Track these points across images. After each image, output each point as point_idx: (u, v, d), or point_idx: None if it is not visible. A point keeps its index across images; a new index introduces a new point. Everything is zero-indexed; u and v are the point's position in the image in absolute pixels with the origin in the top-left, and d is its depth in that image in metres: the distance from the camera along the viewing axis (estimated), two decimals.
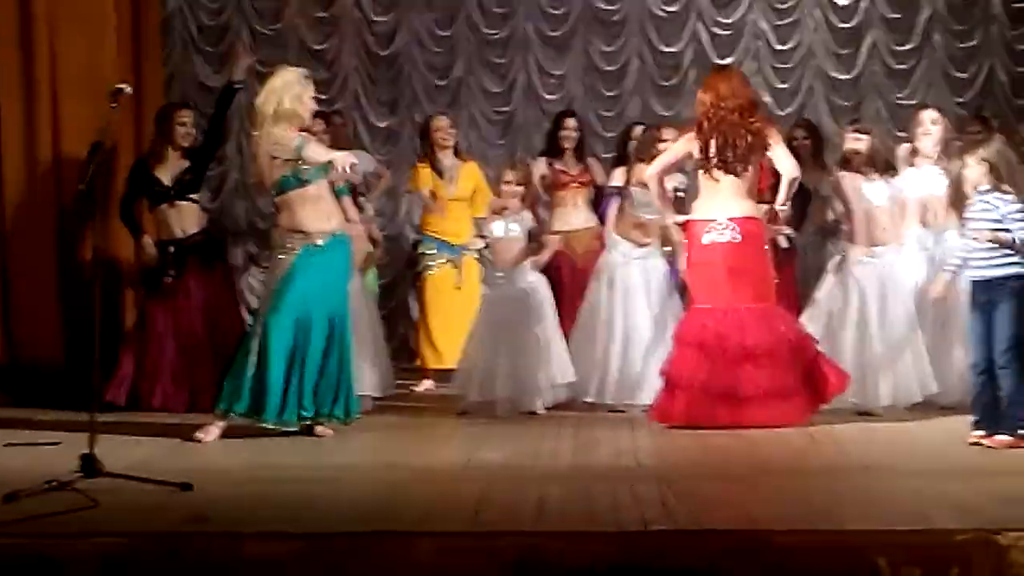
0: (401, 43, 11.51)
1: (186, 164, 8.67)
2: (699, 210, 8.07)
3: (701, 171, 8.03)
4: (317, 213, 7.51)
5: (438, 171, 9.72)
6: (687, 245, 8.18)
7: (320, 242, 7.49)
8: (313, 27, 11.50)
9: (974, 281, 7.24)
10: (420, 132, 10.18)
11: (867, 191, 8.43)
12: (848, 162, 8.52)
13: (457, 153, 9.81)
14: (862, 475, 6.45)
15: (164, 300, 8.68)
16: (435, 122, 9.92)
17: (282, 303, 7.42)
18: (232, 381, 7.45)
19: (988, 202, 7.14)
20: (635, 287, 8.69)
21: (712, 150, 7.93)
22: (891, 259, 8.45)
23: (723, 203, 7.95)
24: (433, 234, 9.74)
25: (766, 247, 8.14)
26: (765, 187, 8.29)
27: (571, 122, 9.79)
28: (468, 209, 9.63)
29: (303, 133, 7.50)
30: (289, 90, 7.43)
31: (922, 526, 5.13)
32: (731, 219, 7.92)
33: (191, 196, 8.74)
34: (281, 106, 7.40)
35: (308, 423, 7.51)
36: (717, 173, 7.94)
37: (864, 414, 8.20)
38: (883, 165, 8.46)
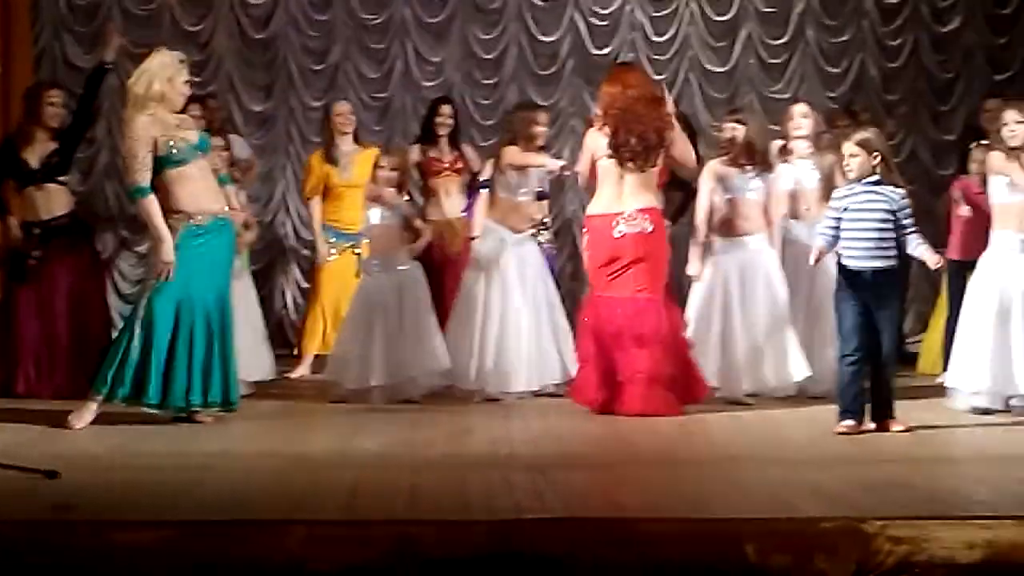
0: (277, 26, 11.43)
1: (55, 146, 8.54)
2: (604, 203, 8.09)
3: (607, 163, 8.05)
4: (196, 193, 7.44)
5: (332, 159, 9.68)
6: (591, 240, 8.20)
7: (201, 222, 7.43)
8: (186, 8, 11.37)
9: (853, 271, 7.25)
10: (322, 117, 10.16)
11: (736, 181, 8.52)
12: (724, 151, 8.61)
13: (357, 140, 9.76)
14: (730, 464, 6.51)
15: (28, 284, 8.55)
16: (336, 107, 9.91)
17: (164, 285, 7.33)
18: (112, 365, 7.33)
19: (880, 193, 7.18)
20: (510, 274, 8.64)
21: (620, 142, 7.97)
22: (756, 248, 8.52)
23: (631, 195, 8.01)
24: (331, 223, 9.69)
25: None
26: (662, 183, 8.41)
27: (446, 109, 9.79)
28: None
29: (180, 115, 7.45)
30: (162, 72, 7.37)
31: (789, 514, 5.19)
32: (640, 210, 7.98)
33: (59, 178, 8.61)
34: (152, 88, 7.33)
35: (190, 410, 7.44)
36: (627, 165, 7.98)
37: (734, 403, 8.30)
38: (760, 156, 8.52)
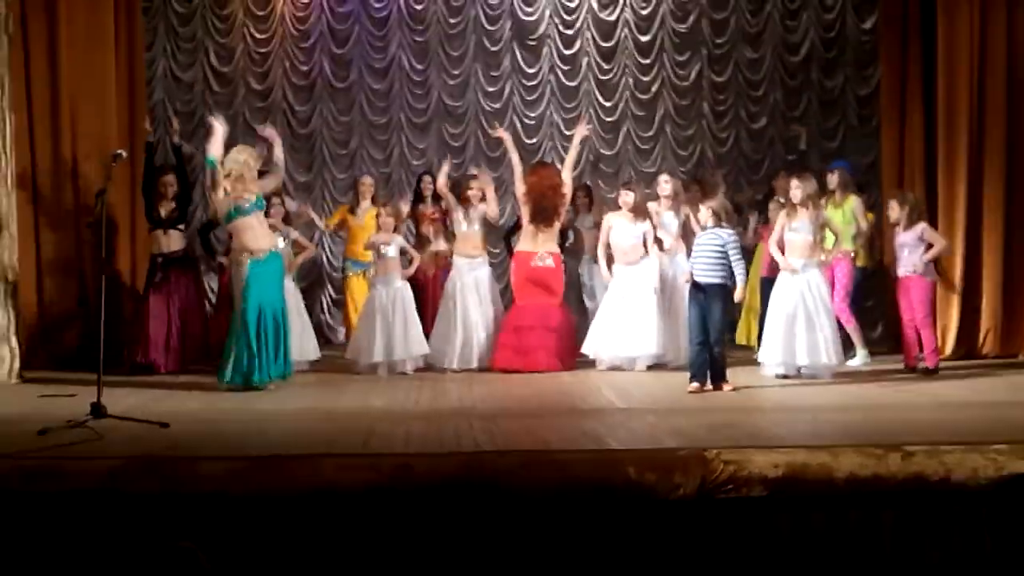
0: (315, 125, 11.28)
1: (174, 204, 8.52)
2: (526, 245, 8.78)
3: (528, 222, 8.76)
4: (255, 236, 7.38)
5: (354, 211, 9.54)
6: (516, 268, 8.84)
7: (260, 256, 7.36)
8: (254, 113, 11.24)
9: (696, 283, 7.34)
10: (353, 185, 10.04)
11: (618, 228, 8.58)
12: (619, 208, 8.64)
13: (374, 201, 9.57)
14: (620, 413, 6.51)
15: (157, 293, 8.43)
16: (362, 179, 9.84)
17: (245, 302, 7.28)
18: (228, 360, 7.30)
19: (716, 235, 7.29)
20: (469, 288, 8.68)
21: (534, 212, 8.72)
22: (631, 272, 8.57)
23: (543, 243, 8.72)
24: (350, 256, 9.55)
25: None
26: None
27: (427, 179, 9.70)
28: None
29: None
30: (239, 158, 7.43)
31: (657, 446, 5.23)
32: (549, 252, 8.71)
33: (178, 226, 8.58)
34: (232, 170, 7.36)
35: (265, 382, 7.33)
36: (539, 225, 8.70)
37: (615, 369, 8.38)
38: (642, 212, 8.61)
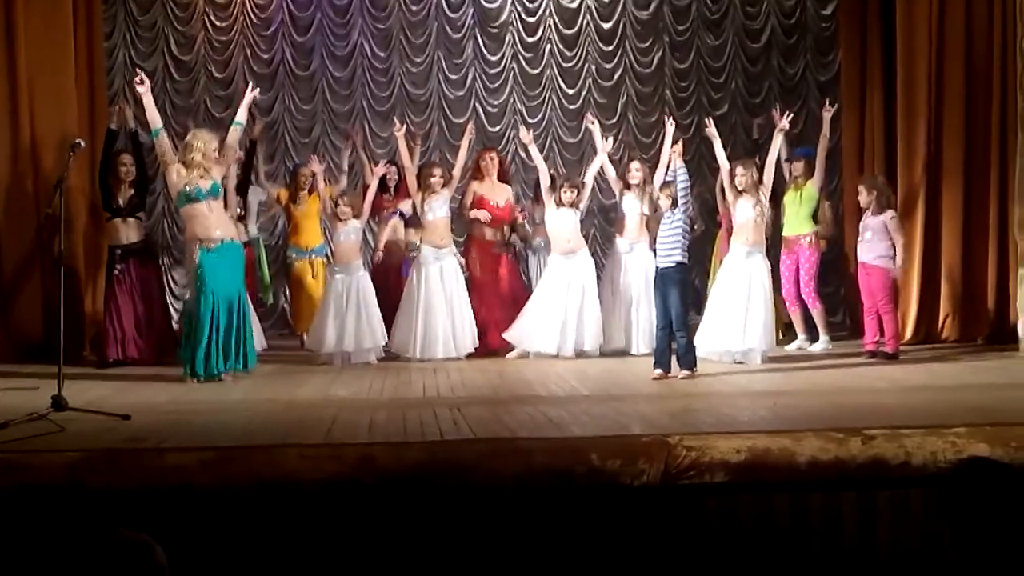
0: (277, 113, 11.19)
1: (132, 192, 8.36)
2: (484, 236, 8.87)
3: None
4: (206, 224, 7.24)
5: (294, 201, 9.42)
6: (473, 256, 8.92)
7: (211, 246, 7.23)
8: (216, 101, 11.14)
9: (656, 268, 7.39)
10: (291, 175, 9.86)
11: (556, 219, 8.59)
12: (560, 203, 8.59)
13: (312, 191, 9.44)
14: (584, 400, 6.50)
15: (118, 286, 8.29)
16: (301, 170, 9.68)
17: (197, 292, 7.21)
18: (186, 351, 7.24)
19: (670, 215, 7.34)
20: (433, 278, 8.52)
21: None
22: (574, 260, 8.56)
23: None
24: (292, 244, 9.40)
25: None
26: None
27: (392, 168, 9.66)
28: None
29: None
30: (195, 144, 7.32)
31: (620, 432, 5.22)
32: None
33: (137, 214, 8.43)
34: (186, 155, 7.26)
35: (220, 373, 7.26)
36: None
37: (580, 355, 8.39)
38: (578, 204, 8.63)
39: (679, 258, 7.27)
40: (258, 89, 8.18)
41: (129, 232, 8.35)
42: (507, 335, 8.55)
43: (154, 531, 2.73)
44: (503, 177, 9.15)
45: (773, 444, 4.90)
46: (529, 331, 8.48)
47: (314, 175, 8.91)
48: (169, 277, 10.91)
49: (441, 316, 8.48)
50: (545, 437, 5.16)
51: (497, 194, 9.00)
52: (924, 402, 6.15)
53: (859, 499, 4.94)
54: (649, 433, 5.07)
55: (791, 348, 8.72)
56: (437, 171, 8.77)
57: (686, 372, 7.20)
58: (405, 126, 8.99)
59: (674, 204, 7.33)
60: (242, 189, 8.84)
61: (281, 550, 4.64)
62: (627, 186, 8.76)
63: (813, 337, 8.80)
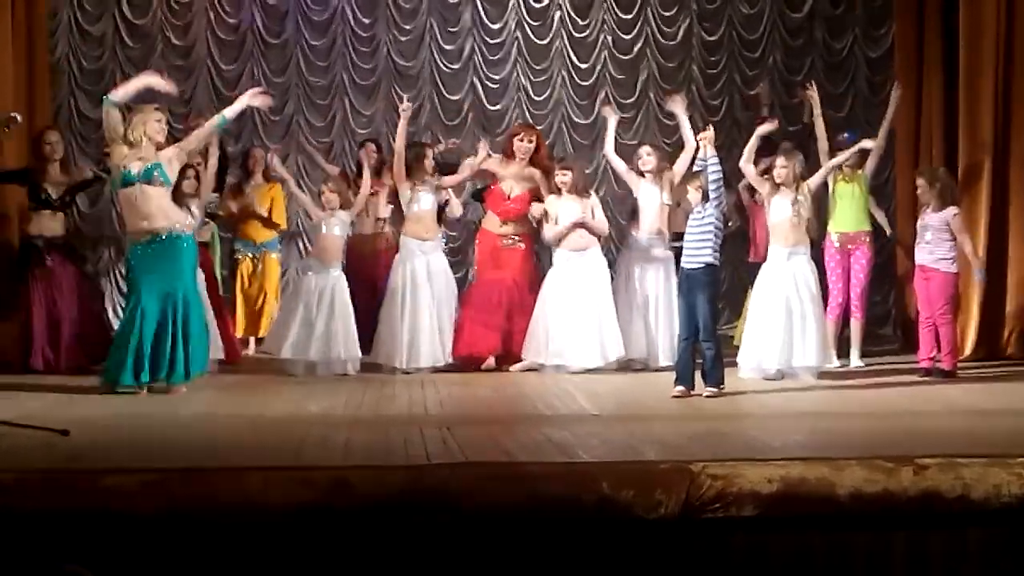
0: (244, 86, 11.13)
1: (66, 182, 8.37)
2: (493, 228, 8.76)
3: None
4: (133, 214, 7.17)
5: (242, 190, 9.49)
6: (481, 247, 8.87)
7: (139, 239, 7.16)
8: (173, 73, 11.14)
9: (682, 269, 7.36)
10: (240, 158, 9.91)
11: (561, 212, 8.53)
12: (559, 191, 8.57)
13: (265, 178, 9.56)
14: (592, 420, 6.48)
15: (36, 285, 8.27)
16: (253, 151, 9.85)
17: (131, 290, 7.24)
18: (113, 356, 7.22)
19: (700, 211, 7.29)
20: (420, 275, 8.41)
21: None
22: (583, 258, 8.51)
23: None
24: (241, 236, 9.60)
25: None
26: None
27: (371, 147, 9.68)
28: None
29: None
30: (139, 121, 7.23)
31: (635, 458, 5.21)
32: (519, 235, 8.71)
33: (66, 209, 8.47)
34: (130, 133, 7.16)
35: (151, 384, 7.17)
36: None
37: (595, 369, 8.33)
38: (583, 191, 8.58)
39: (709, 259, 7.24)
40: (268, 100, 8.02)
41: (54, 224, 8.35)
42: (524, 354, 8.45)
43: (96, 564, 2.72)
44: (539, 163, 8.81)
45: (810, 473, 4.89)
46: (541, 342, 8.42)
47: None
48: (115, 274, 10.94)
49: (428, 318, 8.38)
50: (547, 462, 5.15)
51: (516, 182, 8.76)
52: (986, 427, 6.14)
53: (909, 539, 4.93)
54: (668, 459, 5.06)
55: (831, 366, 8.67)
56: (431, 152, 8.70)
57: (712, 390, 7.17)
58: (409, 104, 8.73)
59: (705, 198, 7.30)
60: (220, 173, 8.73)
61: None
62: (640, 174, 8.75)
63: (840, 353, 8.75)
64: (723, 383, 7.23)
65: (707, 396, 7.13)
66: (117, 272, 10.88)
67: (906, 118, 9.83)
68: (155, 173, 7.12)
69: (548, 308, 8.44)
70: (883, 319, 10.16)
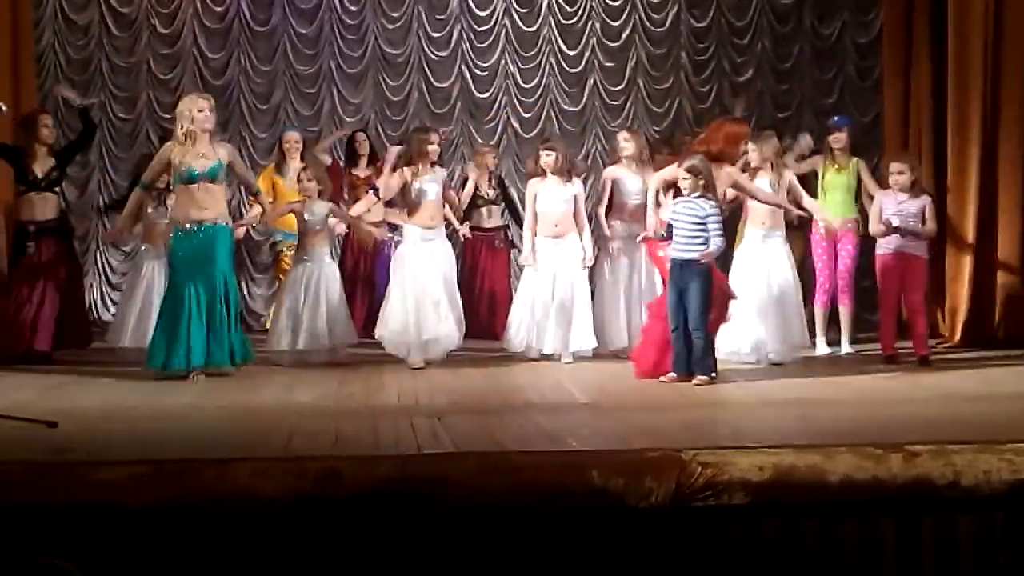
0: (231, 75, 11.22)
1: (53, 162, 8.32)
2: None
3: None
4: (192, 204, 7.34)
5: (282, 172, 9.48)
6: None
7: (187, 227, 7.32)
8: (160, 61, 11.15)
9: (673, 260, 7.28)
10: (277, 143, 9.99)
11: (544, 195, 8.37)
12: (543, 173, 8.41)
13: (303, 159, 9.49)
14: (581, 409, 6.50)
15: (27, 268, 8.25)
16: (285, 135, 9.84)
17: (175, 275, 7.36)
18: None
19: (696, 204, 7.21)
20: (424, 263, 8.11)
21: None
22: (563, 246, 8.37)
23: None
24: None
25: None
26: None
27: (361, 136, 9.67)
28: None
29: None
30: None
31: (624, 447, 5.20)
32: None
33: (55, 189, 8.38)
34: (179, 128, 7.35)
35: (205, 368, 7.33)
36: None
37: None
38: (566, 172, 8.38)
39: (705, 248, 7.21)
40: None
41: (45, 208, 8.29)
42: (506, 344, 8.39)
43: (82, 558, 2.71)
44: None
45: (801, 461, 4.88)
46: (520, 329, 8.40)
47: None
48: (104, 260, 10.93)
49: (438, 310, 8.13)
50: (538, 451, 5.14)
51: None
52: (976, 413, 6.14)
53: (899, 525, 4.93)
54: (658, 447, 5.05)
55: (821, 352, 8.67)
56: (434, 137, 8.38)
57: (702, 378, 7.16)
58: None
59: (704, 188, 7.25)
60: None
61: None
62: (617, 160, 8.73)
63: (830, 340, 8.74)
64: (715, 371, 7.22)
65: (696, 384, 7.12)
66: (106, 262, 10.86)
67: (894, 104, 9.83)
68: (220, 173, 7.40)
69: (529, 296, 8.39)
70: (871, 306, 10.14)
